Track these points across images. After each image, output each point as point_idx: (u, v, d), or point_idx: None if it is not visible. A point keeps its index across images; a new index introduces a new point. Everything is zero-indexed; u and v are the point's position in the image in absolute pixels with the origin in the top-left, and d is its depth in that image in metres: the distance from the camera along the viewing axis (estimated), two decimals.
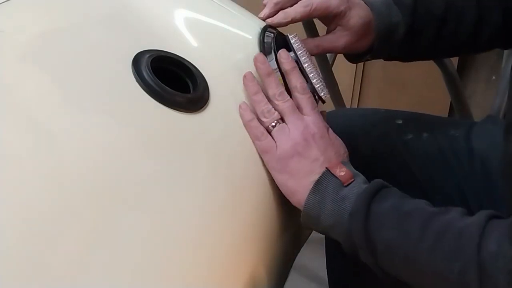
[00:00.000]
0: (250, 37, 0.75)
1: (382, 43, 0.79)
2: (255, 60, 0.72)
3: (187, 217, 0.59)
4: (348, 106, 1.72)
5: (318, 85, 0.74)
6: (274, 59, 0.74)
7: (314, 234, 0.82)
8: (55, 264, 0.48)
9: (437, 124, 0.90)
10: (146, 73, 0.64)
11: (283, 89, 0.71)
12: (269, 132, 0.69)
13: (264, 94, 0.71)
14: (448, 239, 0.58)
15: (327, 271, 1.03)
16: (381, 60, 0.86)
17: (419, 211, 0.62)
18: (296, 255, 0.81)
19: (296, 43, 0.75)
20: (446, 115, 1.84)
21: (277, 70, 0.74)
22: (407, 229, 0.61)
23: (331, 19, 0.78)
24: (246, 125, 0.70)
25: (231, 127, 0.69)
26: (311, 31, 1.30)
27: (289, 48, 0.74)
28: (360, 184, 0.65)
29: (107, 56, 0.66)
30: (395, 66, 0.95)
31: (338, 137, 0.71)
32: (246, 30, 0.76)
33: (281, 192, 0.69)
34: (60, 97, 0.59)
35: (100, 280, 0.50)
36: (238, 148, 0.69)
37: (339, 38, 0.78)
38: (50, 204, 0.51)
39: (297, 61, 0.75)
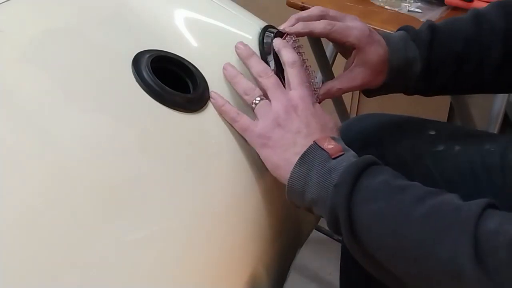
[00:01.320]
0: (250, 37, 0.75)
1: (396, 78, 0.77)
2: (236, 46, 0.72)
3: (186, 217, 0.59)
4: (348, 107, 1.72)
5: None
6: (273, 60, 0.74)
7: (314, 234, 0.82)
8: (54, 263, 0.48)
9: (472, 138, 0.88)
10: (146, 73, 0.64)
11: (267, 67, 0.70)
12: (253, 110, 0.68)
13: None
14: (444, 213, 0.56)
15: (340, 273, 1.03)
16: None
17: (413, 187, 0.59)
18: (296, 255, 0.81)
19: (290, 42, 0.75)
20: (446, 116, 1.83)
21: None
22: (398, 200, 0.58)
23: (350, 51, 0.76)
24: (220, 111, 0.69)
25: (231, 127, 0.69)
26: (317, 45, 1.31)
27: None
28: (350, 157, 0.63)
29: (107, 56, 0.66)
30: None
31: (327, 114, 0.69)
32: (246, 30, 0.76)
33: (281, 192, 0.69)
34: (60, 97, 0.59)
35: (98, 280, 0.50)
36: (238, 148, 0.69)
37: (357, 76, 0.76)
38: (49, 203, 0.51)
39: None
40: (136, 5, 0.75)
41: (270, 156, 0.66)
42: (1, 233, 0.47)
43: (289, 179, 0.64)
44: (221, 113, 0.69)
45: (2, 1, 0.64)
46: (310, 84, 0.74)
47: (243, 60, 0.71)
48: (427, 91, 0.81)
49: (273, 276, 0.70)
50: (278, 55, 0.72)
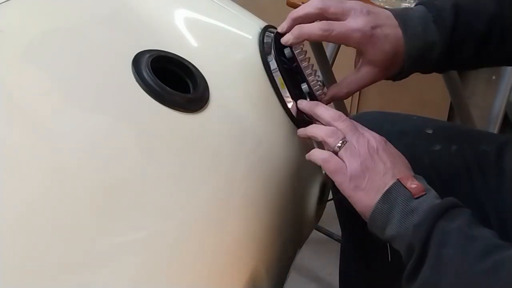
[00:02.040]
0: (250, 37, 0.75)
1: (413, 64, 0.75)
2: (298, 103, 0.73)
3: (187, 217, 0.59)
4: (348, 106, 1.72)
5: (315, 86, 0.75)
6: (273, 59, 0.74)
7: (314, 234, 0.82)
8: (54, 264, 0.48)
9: (469, 137, 0.87)
10: (146, 73, 0.64)
11: (337, 111, 0.70)
12: (336, 153, 0.68)
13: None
14: (505, 270, 0.57)
15: (339, 275, 1.03)
16: None
17: (483, 239, 0.60)
18: (296, 255, 0.81)
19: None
20: (446, 116, 1.84)
21: (277, 70, 0.74)
22: (466, 251, 0.60)
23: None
24: (311, 152, 0.69)
25: (231, 127, 0.69)
26: (316, 45, 1.31)
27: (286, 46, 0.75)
28: (431, 198, 0.64)
29: (107, 56, 0.66)
30: None
31: (394, 147, 0.70)
32: (246, 30, 0.76)
33: (281, 192, 0.69)
34: (60, 97, 0.59)
35: (99, 280, 0.50)
36: (238, 148, 0.69)
37: (364, 76, 0.74)
38: (50, 204, 0.51)
39: (294, 59, 0.75)
40: (136, 5, 0.75)
41: (363, 199, 0.66)
42: (0, 233, 0.47)
43: (371, 215, 0.65)
44: (310, 155, 0.69)
45: (2, 1, 0.64)
46: (314, 73, 0.74)
47: (310, 111, 0.72)
48: (446, 71, 0.81)
49: (273, 276, 0.70)
50: (316, 117, 0.72)
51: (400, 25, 0.73)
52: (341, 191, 0.67)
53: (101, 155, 0.56)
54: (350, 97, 1.86)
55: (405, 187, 0.65)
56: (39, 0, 0.68)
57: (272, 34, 0.76)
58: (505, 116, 1.46)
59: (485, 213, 0.81)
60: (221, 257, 0.61)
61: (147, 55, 0.66)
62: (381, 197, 0.65)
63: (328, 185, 0.82)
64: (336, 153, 0.67)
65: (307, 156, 0.70)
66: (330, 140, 0.68)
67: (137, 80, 0.64)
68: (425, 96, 1.79)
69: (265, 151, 0.71)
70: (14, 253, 0.47)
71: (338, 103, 1.51)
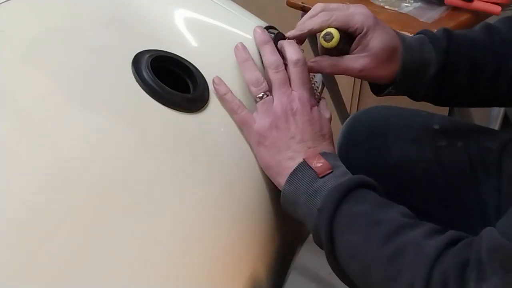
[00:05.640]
0: (250, 37, 0.75)
1: (408, 78, 0.75)
2: (254, 31, 0.72)
3: (186, 217, 0.59)
4: (348, 106, 1.72)
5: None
6: None
7: None
8: (52, 263, 0.48)
9: (474, 134, 0.88)
10: (146, 73, 0.64)
11: (279, 59, 0.70)
12: (255, 102, 0.69)
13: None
14: (406, 253, 0.57)
15: None
16: None
17: (388, 222, 0.60)
18: (296, 255, 0.81)
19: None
20: (446, 115, 1.83)
21: None
22: (371, 237, 0.60)
23: (354, 38, 0.73)
24: (221, 98, 0.69)
25: (230, 127, 0.69)
26: (317, 47, 1.31)
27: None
28: (336, 177, 0.64)
29: (107, 56, 0.66)
30: None
31: (324, 117, 0.70)
32: (246, 30, 0.76)
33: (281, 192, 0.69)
34: (60, 97, 0.59)
35: (98, 280, 0.50)
36: (237, 148, 0.69)
37: (357, 59, 0.73)
38: (49, 203, 0.51)
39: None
40: (136, 5, 0.75)
41: (263, 155, 0.68)
42: (1, 233, 0.47)
43: (281, 195, 0.66)
44: (222, 101, 0.69)
45: (2, 1, 0.64)
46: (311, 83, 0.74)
47: (258, 45, 0.71)
48: (437, 98, 0.80)
49: (273, 276, 0.70)
50: (282, 51, 0.71)
51: (398, 36, 0.74)
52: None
53: (101, 155, 0.56)
54: (350, 97, 1.86)
55: (310, 166, 0.65)
56: (39, 0, 0.68)
57: (273, 35, 0.76)
58: (505, 116, 1.46)
59: (485, 210, 0.81)
60: (221, 257, 0.61)
61: (147, 55, 0.66)
62: (287, 179, 0.65)
63: None
64: (255, 102, 0.69)
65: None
66: (253, 89, 0.69)
67: (137, 80, 0.64)
68: None
69: None
70: (13, 253, 0.47)
71: (338, 103, 1.51)
